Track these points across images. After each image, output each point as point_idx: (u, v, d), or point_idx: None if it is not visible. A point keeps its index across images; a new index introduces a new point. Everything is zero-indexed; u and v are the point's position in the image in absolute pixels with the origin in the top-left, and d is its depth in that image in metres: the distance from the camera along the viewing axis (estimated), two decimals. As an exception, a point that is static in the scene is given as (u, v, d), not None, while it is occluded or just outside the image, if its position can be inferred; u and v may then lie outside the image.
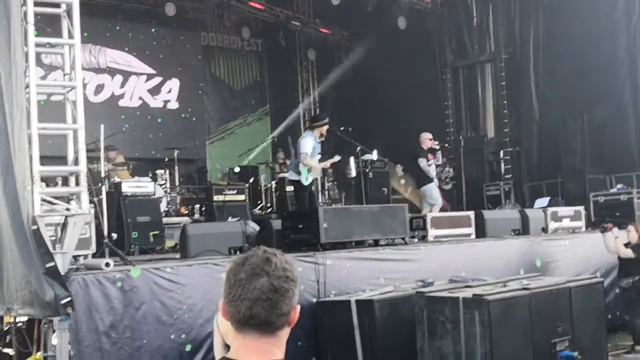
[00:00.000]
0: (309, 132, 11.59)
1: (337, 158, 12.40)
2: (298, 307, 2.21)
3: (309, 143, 11.19)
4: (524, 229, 11.68)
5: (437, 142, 14.53)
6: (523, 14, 17.82)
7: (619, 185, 14.92)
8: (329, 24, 21.69)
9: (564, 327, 8.13)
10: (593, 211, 13.63)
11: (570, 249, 11.26)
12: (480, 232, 11.14)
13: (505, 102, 18.28)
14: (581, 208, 12.81)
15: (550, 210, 12.26)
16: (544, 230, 11.87)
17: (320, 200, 15.61)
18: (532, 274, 9.69)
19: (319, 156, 11.59)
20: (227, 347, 2.33)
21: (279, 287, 2.14)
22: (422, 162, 14.08)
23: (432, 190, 14.09)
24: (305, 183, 11.19)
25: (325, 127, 11.56)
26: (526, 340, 7.70)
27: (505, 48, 18.33)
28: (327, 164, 12.21)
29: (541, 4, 17.16)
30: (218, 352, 2.41)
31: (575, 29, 16.17)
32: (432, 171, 14.15)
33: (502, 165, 17.97)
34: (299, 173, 11.20)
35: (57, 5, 7.21)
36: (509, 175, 17.79)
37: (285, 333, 2.21)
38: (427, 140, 14.29)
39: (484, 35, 19.01)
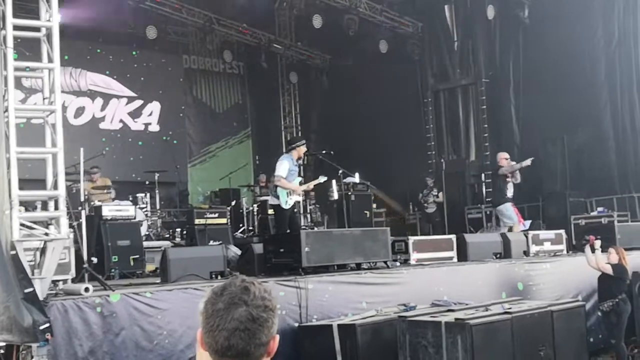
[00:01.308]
0: (287, 154, 11.51)
1: (322, 179, 12.32)
2: (277, 337, 2.18)
3: (284, 165, 11.13)
4: (505, 253, 11.68)
5: (513, 162, 14.02)
6: (503, 39, 17.99)
7: (600, 209, 14.97)
8: (311, 47, 21.77)
9: (546, 351, 8.14)
10: (574, 234, 13.65)
11: (552, 273, 11.27)
12: (462, 256, 11.12)
13: (486, 125, 18.39)
14: (562, 231, 12.84)
15: (531, 233, 12.28)
16: (526, 253, 11.87)
17: (302, 223, 15.56)
18: (514, 297, 9.69)
19: (300, 178, 11.52)
20: None
21: (258, 316, 2.10)
22: (502, 170, 13.80)
23: (507, 209, 13.80)
24: (285, 207, 11.08)
25: (303, 149, 11.49)
26: (509, 365, 7.69)
27: (486, 72, 18.47)
28: (311, 185, 12.16)
29: (521, 28, 17.32)
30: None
31: (556, 53, 16.33)
32: (509, 189, 13.79)
33: (484, 188, 18.02)
34: (277, 197, 11.14)
35: (37, 29, 7.18)
36: (491, 198, 17.83)
37: None
38: (503, 159, 13.97)
39: (465, 59, 19.16)
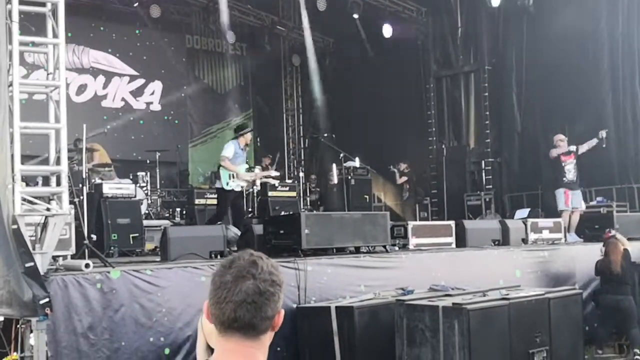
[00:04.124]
0: (234, 140, 11.76)
1: (274, 173, 12.87)
2: (282, 312, 2.21)
3: (229, 148, 11.51)
4: (504, 240, 11.71)
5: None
6: (507, 26, 17.93)
7: (599, 198, 14.99)
8: (315, 30, 21.70)
9: (542, 338, 8.16)
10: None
11: (550, 260, 11.30)
12: (461, 242, 11.16)
13: (487, 112, 18.38)
14: (561, 220, 12.87)
15: (530, 221, 12.29)
16: (524, 241, 11.91)
17: (300, 206, 15.62)
18: (511, 284, 9.72)
19: (246, 165, 11.87)
20: (209, 350, 2.32)
21: (265, 290, 2.13)
22: (552, 152, 13.51)
23: (559, 195, 13.48)
24: (226, 188, 11.29)
25: (249, 136, 11.85)
26: (504, 350, 7.72)
27: (489, 59, 18.43)
28: (262, 175, 12.43)
29: (525, 16, 17.25)
30: (200, 354, 2.40)
31: (559, 42, 16.28)
32: (568, 172, 13.43)
33: (484, 175, 18.06)
34: (219, 177, 11.42)
35: (43, 4, 7.16)
36: (490, 186, 17.87)
37: (268, 337, 2.20)
38: (559, 141, 13.64)
39: (468, 46, 19.13)
